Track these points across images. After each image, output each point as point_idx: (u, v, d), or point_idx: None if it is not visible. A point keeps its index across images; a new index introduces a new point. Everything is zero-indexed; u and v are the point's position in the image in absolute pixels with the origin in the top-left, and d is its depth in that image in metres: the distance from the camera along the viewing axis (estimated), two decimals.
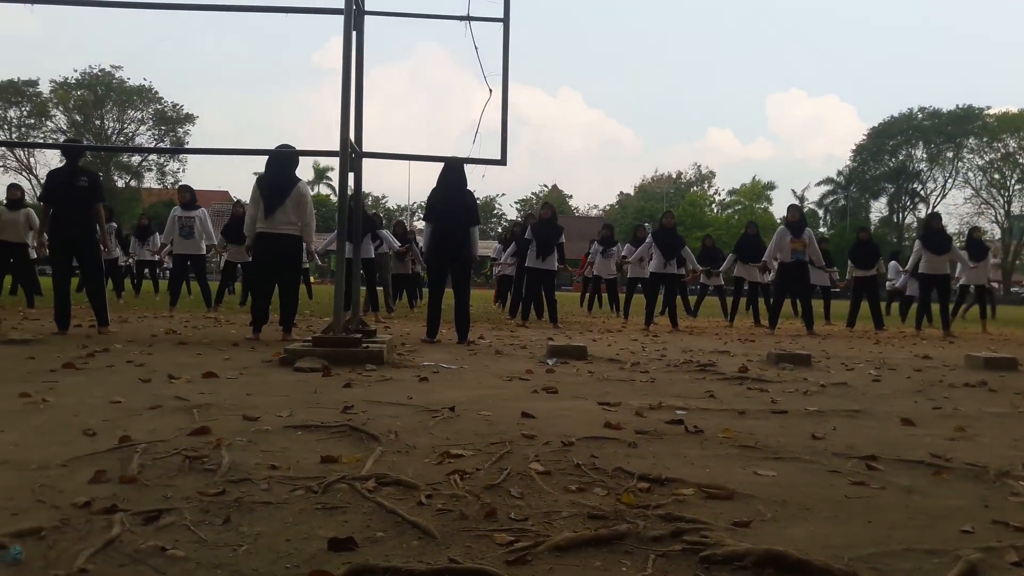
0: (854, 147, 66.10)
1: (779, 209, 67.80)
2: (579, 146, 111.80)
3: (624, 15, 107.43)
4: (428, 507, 1.96)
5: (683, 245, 10.66)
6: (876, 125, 64.28)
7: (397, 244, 12.51)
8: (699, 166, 79.47)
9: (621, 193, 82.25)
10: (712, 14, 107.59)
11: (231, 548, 1.65)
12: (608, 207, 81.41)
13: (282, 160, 6.66)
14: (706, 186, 76.66)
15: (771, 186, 68.36)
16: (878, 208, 66.32)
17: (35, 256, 11.07)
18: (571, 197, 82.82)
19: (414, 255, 13.41)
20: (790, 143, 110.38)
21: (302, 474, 2.24)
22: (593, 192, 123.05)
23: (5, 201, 10.85)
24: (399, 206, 77.97)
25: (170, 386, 3.86)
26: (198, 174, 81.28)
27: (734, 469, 2.47)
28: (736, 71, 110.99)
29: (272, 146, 6.57)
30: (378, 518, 1.88)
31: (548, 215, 10.28)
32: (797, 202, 46.30)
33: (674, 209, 50.38)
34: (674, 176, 78.79)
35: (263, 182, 6.69)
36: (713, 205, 71.97)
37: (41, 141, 59.19)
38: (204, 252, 10.70)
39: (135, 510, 1.86)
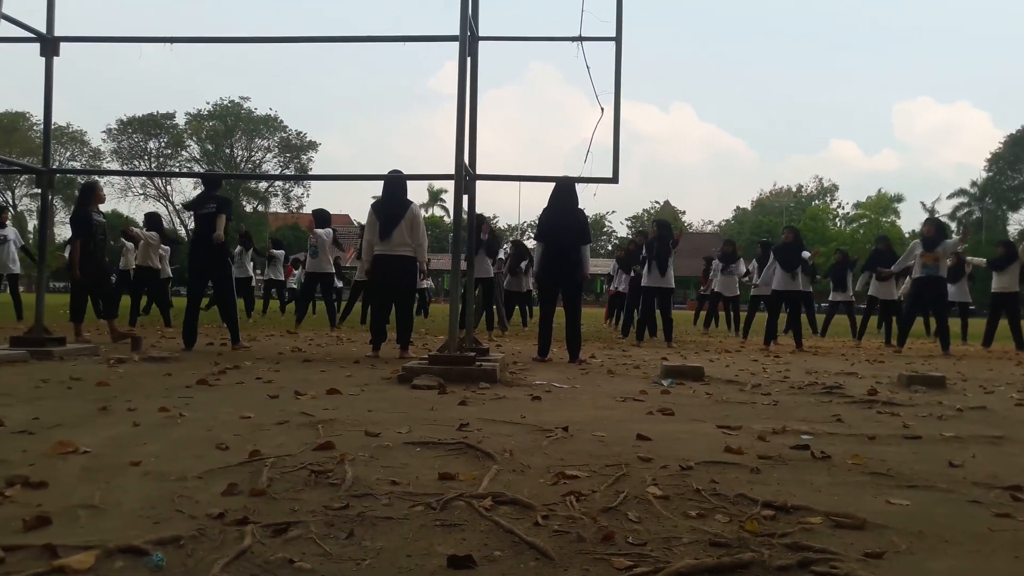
0: (989, 156, 62.36)
1: (907, 223, 64.49)
2: (692, 161, 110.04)
3: (738, 27, 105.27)
4: (545, 528, 1.96)
5: (804, 261, 10.29)
6: (1014, 132, 60.30)
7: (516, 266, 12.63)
8: (820, 179, 76.60)
9: (737, 208, 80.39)
10: (831, 21, 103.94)
11: (355, 562, 1.69)
12: (724, 222, 79.65)
13: (394, 185, 6.97)
14: (828, 199, 73.89)
15: (899, 198, 65.21)
16: (1017, 220, 62.07)
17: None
18: (684, 213, 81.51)
19: (526, 275, 13.49)
20: (918, 153, 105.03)
21: (421, 490, 2.28)
22: (707, 207, 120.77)
23: (144, 228, 11.65)
24: (509, 225, 78.78)
25: (296, 402, 4.02)
26: (321, 199, 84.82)
27: (864, 497, 2.34)
28: (859, 80, 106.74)
29: (389, 171, 6.81)
30: (495, 537, 1.89)
31: (659, 232, 10.13)
32: (928, 215, 43.90)
33: (795, 223, 48.72)
34: (794, 189, 76.36)
35: (378, 207, 7.02)
36: (836, 219, 69.20)
37: (177, 170, 63.20)
38: (332, 271, 11.13)
39: (265, 522, 1.94)
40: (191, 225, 61.21)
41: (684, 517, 2.09)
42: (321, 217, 11.38)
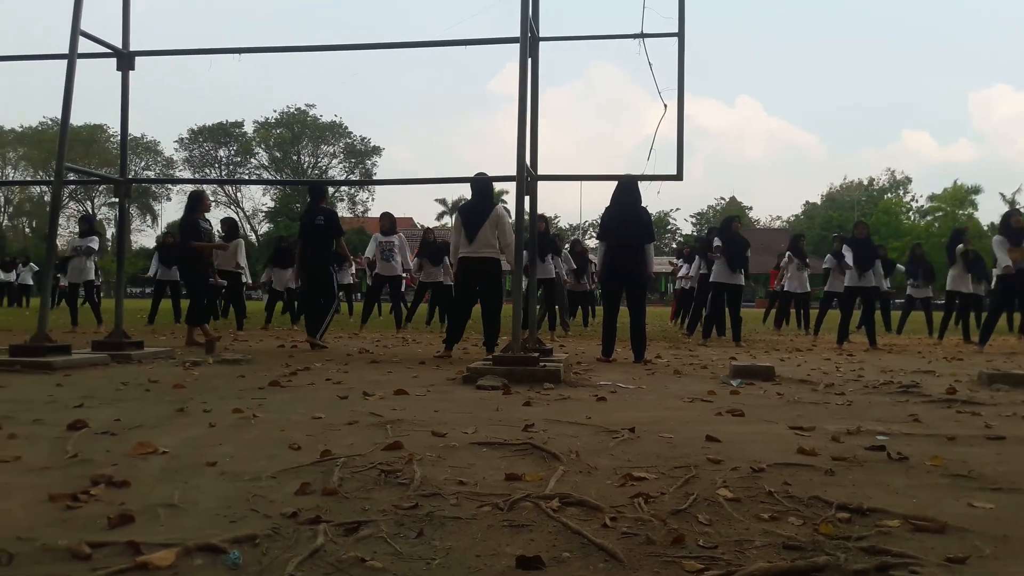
0: None
1: (986, 215, 61.93)
2: (759, 156, 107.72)
3: (804, 19, 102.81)
4: (613, 530, 1.94)
5: (880, 256, 9.99)
6: None
7: (574, 266, 12.61)
8: (893, 171, 74.21)
9: (807, 202, 78.42)
10: (901, 9, 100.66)
11: (425, 561, 1.71)
12: (793, 218, 77.88)
13: (480, 187, 7.07)
14: (901, 192, 71.58)
15: (976, 190, 62.66)
16: None
17: (249, 282, 12.25)
18: (751, 209, 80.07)
19: (587, 275, 13.47)
20: (996, 143, 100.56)
21: (488, 490, 2.29)
22: (775, 203, 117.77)
23: (223, 233, 12.00)
24: (571, 225, 78.56)
25: (365, 403, 4.08)
26: (385, 202, 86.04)
27: (945, 500, 2.26)
28: (932, 69, 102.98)
29: (451, 173, 6.89)
30: (563, 538, 1.88)
31: (733, 227, 9.94)
32: (1008, 206, 42.08)
33: (867, 218, 47.37)
34: (865, 183, 74.18)
35: (464, 210, 7.13)
36: (910, 212, 67.01)
37: (246, 177, 64.99)
38: (401, 274, 11.29)
39: (337, 521, 1.97)
40: (261, 231, 63.00)
41: (756, 520, 2.05)
42: (391, 221, 11.57)
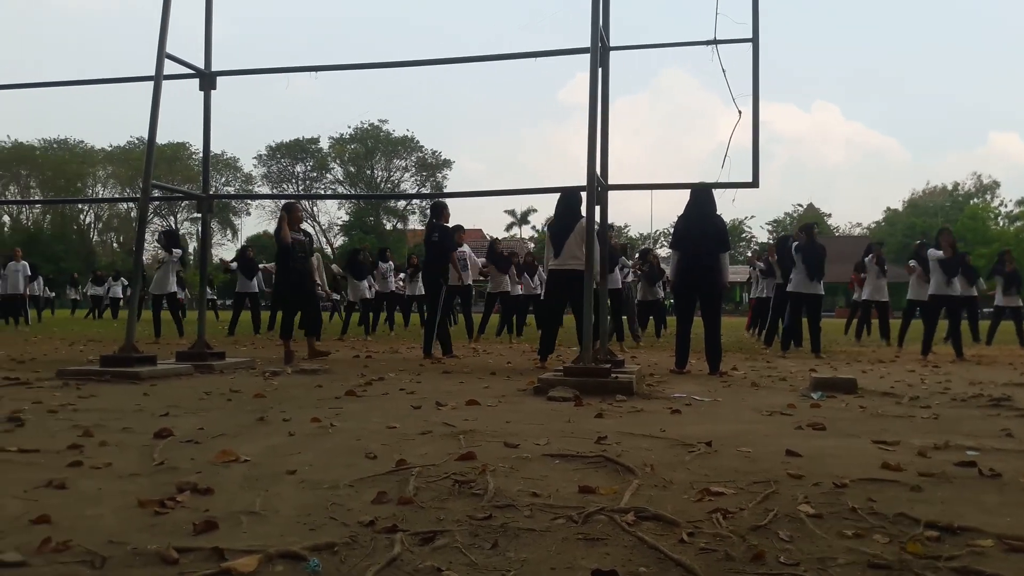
0: None
1: None
2: (837, 161, 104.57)
3: (881, 19, 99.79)
4: (691, 545, 1.91)
5: (964, 262, 9.58)
6: None
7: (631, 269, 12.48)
8: (979, 175, 71.14)
9: (888, 209, 75.84)
10: (987, 5, 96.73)
11: (500, 573, 1.71)
12: (873, 224, 75.47)
13: (566, 201, 7.12)
14: (989, 197, 68.60)
15: None
16: None
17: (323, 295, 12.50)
18: (829, 216, 77.92)
19: (660, 284, 13.32)
20: None
21: (562, 503, 2.28)
22: (855, 209, 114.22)
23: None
24: (642, 234, 77.93)
25: (438, 412, 4.12)
26: (455, 214, 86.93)
27: None
28: (1020, 67, 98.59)
29: (521, 184, 6.96)
30: (639, 553, 1.85)
31: (808, 234, 9.67)
32: None
33: (951, 224, 45.58)
34: (949, 188, 71.38)
35: (552, 225, 7.30)
36: (998, 218, 64.18)
37: (322, 192, 66.65)
38: (470, 284, 11.38)
39: (412, 530, 1.99)
40: (337, 243, 64.45)
41: (839, 537, 1.99)
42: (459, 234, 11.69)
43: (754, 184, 5.73)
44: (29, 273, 16.77)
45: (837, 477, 2.61)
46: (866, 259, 13.16)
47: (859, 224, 78.58)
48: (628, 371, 5.59)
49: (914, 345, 11.27)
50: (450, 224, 9.00)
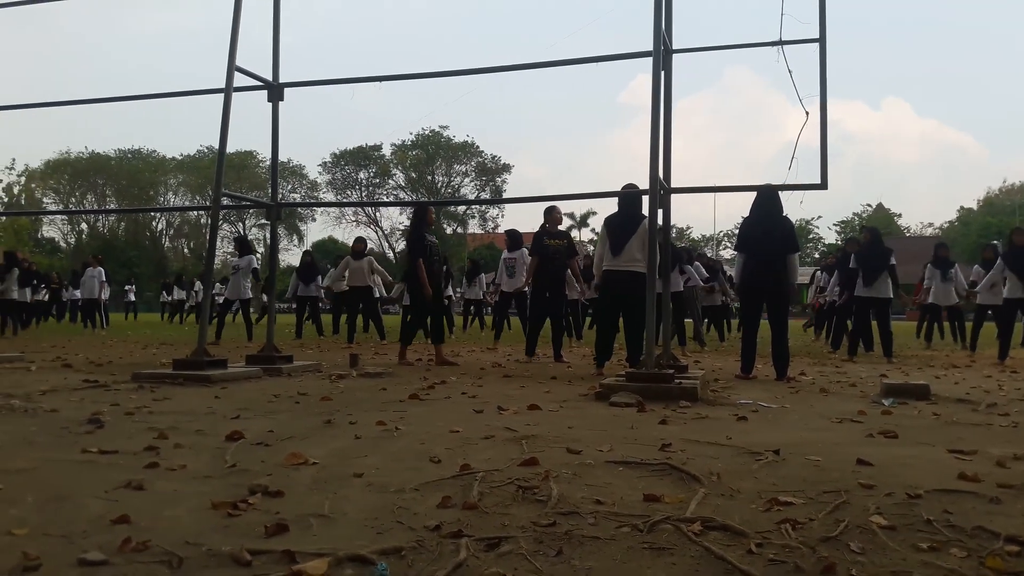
0: None
1: None
2: (909, 160, 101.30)
3: (955, 13, 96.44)
4: (759, 556, 1.87)
5: None
6: None
7: (705, 275, 12.34)
8: None
9: (962, 208, 73.16)
10: None
11: None
12: (946, 224, 72.94)
13: (627, 200, 6.92)
14: None
15: None
16: None
17: (379, 296, 12.72)
18: (899, 216, 75.63)
19: (721, 286, 13.14)
20: None
21: (626, 511, 2.26)
22: (927, 209, 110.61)
23: (352, 252, 12.58)
24: (704, 236, 76.85)
25: (500, 417, 4.13)
26: (514, 218, 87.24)
27: None
28: None
29: (581, 187, 6.90)
30: (706, 564, 1.83)
31: (869, 239, 9.43)
32: None
33: None
34: None
35: (610, 222, 7.00)
36: None
37: (385, 198, 67.57)
38: (525, 290, 11.38)
39: (477, 536, 2.01)
40: (398, 248, 65.30)
41: (914, 550, 1.93)
42: (515, 238, 11.72)
43: (822, 186, 5.60)
44: (104, 279, 17.42)
45: (911, 487, 2.53)
46: (927, 267, 12.78)
47: (931, 224, 76.09)
48: (692, 376, 5.52)
49: (990, 349, 10.86)
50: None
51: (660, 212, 5.87)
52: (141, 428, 3.64)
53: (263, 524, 2.07)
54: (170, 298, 26.99)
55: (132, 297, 27.95)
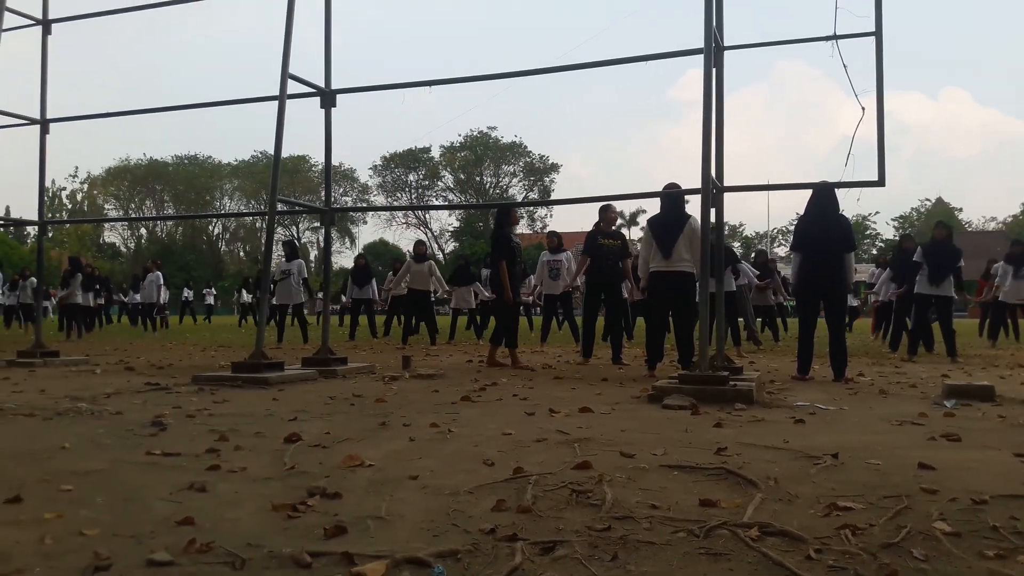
0: None
1: None
2: (969, 151, 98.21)
3: None
4: (818, 562, 1.85)
5: None
6: None
7: (756, 275, 12.16)
8: None
9: None
10: None
11: None
12: (1010, 218, 70.55)
13: (672, 200, 6.86)
14: None
15: None
16: None
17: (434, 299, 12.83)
18: (960, 210, 73.38)
19: (775, 286, 12.93)
20: None
21: (682, 516, 2.25)
22: (989, 202, 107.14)
23: (413, 255, 12.70)
24: (758, 233, 75.68)
25: (552, 420, 4.14)
26: (563, 218, 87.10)
27: None
28: None
29: (630, 186, 6.85)
30: (764, 569, 1.81)
31: (943, 235, 9.15)
32: None
33: None
34: None
35: (655, 223, 6.94)
36: None
37: (434, 199, 68.09)
38: (569, 290, 11.36)
39: (532, 540, 2.02)
40: (448, 249, 65.80)
41: (979, 557, 1.88)
42: (558, 240, 11.73)
43: (880, 183, 5.48)
44: (163, 283, 17.91)
45: (975, 492, 2.46)
46: (995, 265, 12.38)
47: (993, 218, 73.66)
48: (747, 378, 5.44)
49: None
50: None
51: (713, 211, 5.80)
52: (202, 430, 3.74)
53: (322, 526, 2.11)
54: (245, 300, 27.33)
55: (188, 296, 28.45)
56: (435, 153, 69.53)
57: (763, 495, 2.46)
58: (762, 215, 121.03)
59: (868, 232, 70.73)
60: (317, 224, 55.16)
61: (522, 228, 67.67)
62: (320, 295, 14.29)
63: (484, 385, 5.92)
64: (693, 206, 7.61)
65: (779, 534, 2.07)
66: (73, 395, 5.15)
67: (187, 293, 27.81)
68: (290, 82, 6.74)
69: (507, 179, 69.96)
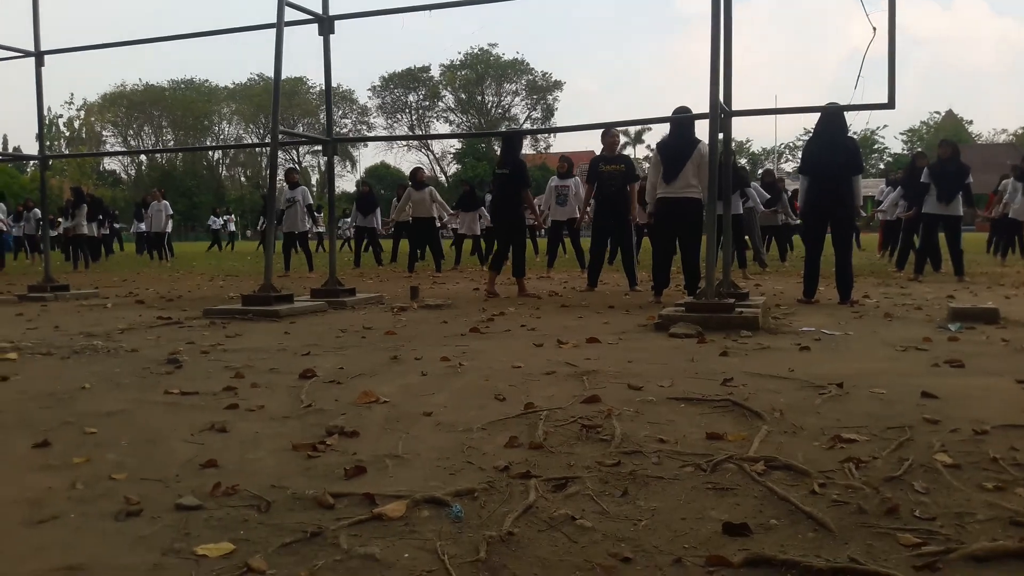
0: None
1: None
2: (983, 62, 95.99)
3: None
4: (822, 497, 1.91)
5: None
6: None
7: (766, 197, 12.08)
8: None
9: None
10: None
11: (631, 522, 1.77)
12: (1020, 131, 69.40)
13: (681, 124, 6.75)
14: None
15: None
16: None
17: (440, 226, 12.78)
18: (971, 123, 72.12)
19: (783, 207, 12.86)
20: None
21: (689, 449, 2.32)
22: (1000, 115, 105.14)
23: (412, 182, 12.62)
24: (764, 149, 74.68)
25: (560, 351, 4.20)
26: (567, 137, 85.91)
27: None
28: None
29: (637, 102, 6.74)
30: (770, 504, 1.88)
31: (948, 153, 9.04)
32: None
33: None
34: None
35: (663, 147, 6.86)
36: None
37: (435, 120, 67.13)
38: (576, 216, 11.30)
39: (545, 476, 2.09)
40: (450, 171, 65.34)
41: (979, 490, 1.94)
42: (568, 164, 11.60)
43: (890, 105, 5.38)
44: (171, 212, 17.87)
45: (977, 422, 2.52)
46: (1004, 181, 12.26)
47: (1004, 131, 72.44)
48: (753, 304, 5.48)
49: None
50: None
51: (721, 135, 5.73)
52: (218, 367, 3.81)
53: (342, 466, 2.18)
54: (215, 226, 27.28)
55: (214, 224, 28.11)
56: (435, 72, 68.25)
57: (768, 427, 2.53)
58: (769, 131, 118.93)
59: (876, 147, 69.74)
60: (318, 148, 54.60)
61: (526, 148, 67.12)
62: (325, 223, 14.26)
63: (492, 315, 5.98)
64: (702, 128, 7.51)
65: (784, 468, 2.13)
66: (87, 331, 5.23)
67: (214, 221, 27.61)
68: (287, 9, 6.58)
69: (509, 98, 68.84)
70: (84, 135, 67.28)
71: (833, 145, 6.37)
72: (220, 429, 2.62)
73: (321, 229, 19.81)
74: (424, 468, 2.19)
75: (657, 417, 2.70)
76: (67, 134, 66.80)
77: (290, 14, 6.70)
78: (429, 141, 69.02)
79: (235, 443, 2.47)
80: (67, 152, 61.57)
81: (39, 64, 8.37)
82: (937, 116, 71.14)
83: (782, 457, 2.19)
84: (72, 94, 71.09)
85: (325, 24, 7.11)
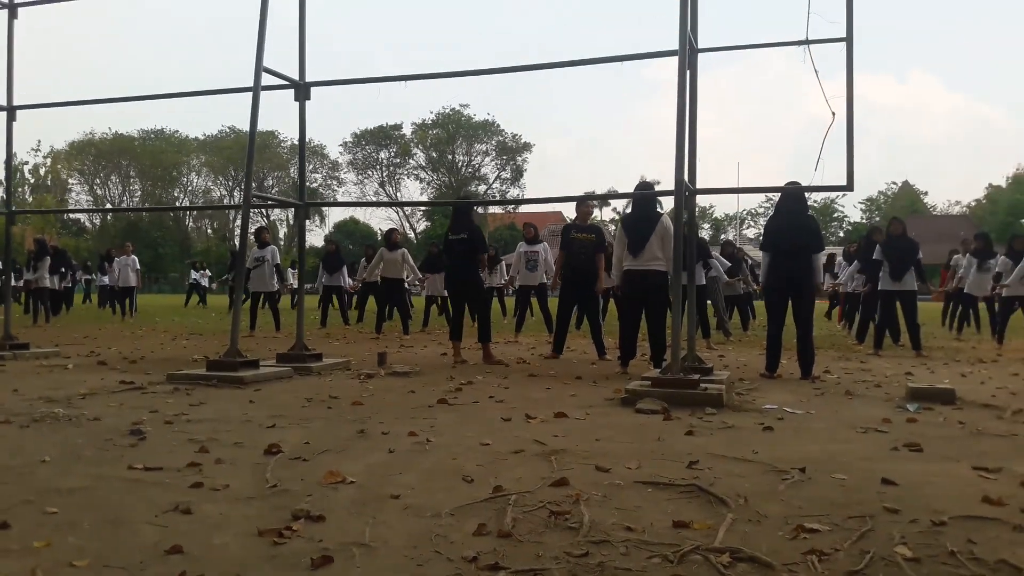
0: None
1: None
2: (936, 135, 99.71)
3: None
4: None
5: None
6: None
7: (727, 266, 12.32)
8: None
9: (990, 185, 71.77)
10: None
11: None
12: (973, 202, 71.82)
13: (645, 199, 6.98)
14: None
15: None
16: None
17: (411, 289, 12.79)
18: (926, 194, 74.65)
19: (743, 276, 13.14)
20: None
21: (656, 539, 2.34)
22: (954, 187, 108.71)
23: (386, 243, 12.70)
24: (727, 215, 76.36)
25: (528, 426, 4.22)
26: (534, 195, 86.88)
27: None
28: None
29: (605, 164, 6.90)
30: None
31: (899, 231, 9.36)
32: None
33: None
34: None
35: (627, 221, 7.08)
36: None
37: (405, 177, 67.59)
38: (546, 282, 11.40)
39: (513, 568, 2.09)
40: (420, 228, 65.61)
41: None
42: (534, 231, 11.77)
43: (848, 188, 5.59)
44: (138, 267, 17.64)
45: (935, 512, 2.58)
46: (955, 256, 12.66)
47: (958, 202, 74.99)
48: (717, 380, 5.56)
49: (1017, 340, 10.80)
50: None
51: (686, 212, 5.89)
52: (181, 440, 3.76)
53: (309, 555, 2.16)
54: (195, 279, 26.99)
55: (196, 280, 27.63)
56: (407, 130, 69.12)
57: (733, 515, 2.56)
58: (732, 197, 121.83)
59: (835, 215, 71.68)
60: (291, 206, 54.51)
61: (493, 208, 67.84)
62: (294, 283, 14.18)
63: (460, 384, 5.98)
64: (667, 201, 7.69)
65: (749, 560, 2.16)
66: (48, 396, 5.13)
67: (194, 276, 27.16)
68: (264, 74, 6.68)
69: (479, 157, 69.83)
70: (50, 182, 66.61)
71: (794, 224, 6.57)
72: (184, 510, 2.58)
73: (294, 284, 19.70)
74: (392, 558, 2.19)
75: (624, 503, 2.73)
76: (32, 181, 66.10)
77: (267, 79, 6.80)
78: (399, 198, 69.48)
79: (200, 526, 2.44)
80: (31, 200, 60.86)
81: (11, 119, 8.35)
82: (894, 186, 73.47)
83: (747, 548, 2.22)
84: (39, 141, 70.28)
85: (301, 90, 7.22)
